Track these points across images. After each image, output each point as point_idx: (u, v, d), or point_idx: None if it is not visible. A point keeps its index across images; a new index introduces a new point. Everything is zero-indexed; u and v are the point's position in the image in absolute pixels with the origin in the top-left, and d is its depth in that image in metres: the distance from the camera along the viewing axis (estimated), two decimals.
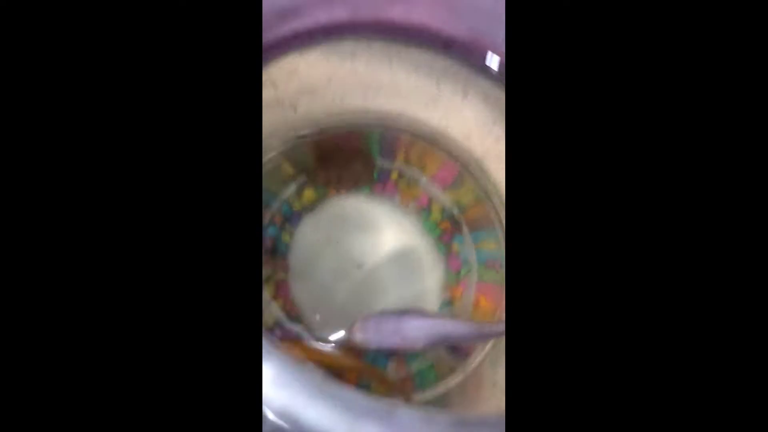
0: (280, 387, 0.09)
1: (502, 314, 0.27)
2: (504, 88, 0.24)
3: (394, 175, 0.29)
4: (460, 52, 0.23)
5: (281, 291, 0.27)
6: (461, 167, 0.29)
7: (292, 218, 0.28)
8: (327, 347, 0.26)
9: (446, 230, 0.29)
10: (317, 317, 0.27)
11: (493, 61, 0.22)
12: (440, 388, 0.26)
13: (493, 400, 0.24)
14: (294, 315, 0.27)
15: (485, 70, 0.23)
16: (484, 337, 0.26)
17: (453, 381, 0.26)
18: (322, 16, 0.21)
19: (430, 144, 0.29)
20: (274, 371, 0.09)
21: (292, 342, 0.26)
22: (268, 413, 0.09)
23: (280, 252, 0.28)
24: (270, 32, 0.20)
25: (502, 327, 0.24)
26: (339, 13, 0.21)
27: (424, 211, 0.29)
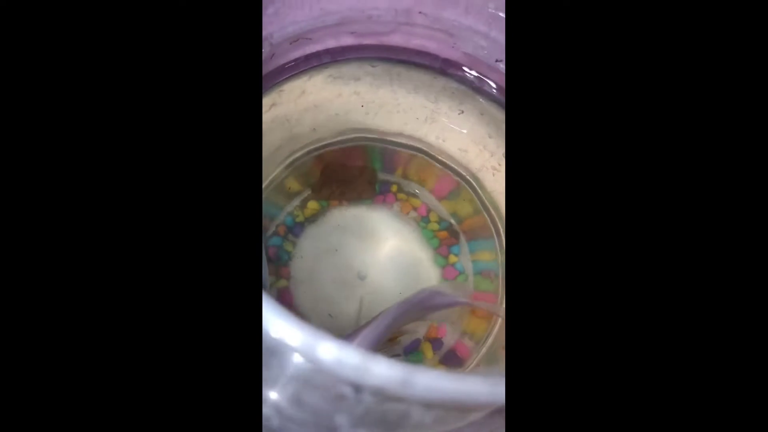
0: (301, 331, 0.10)
1: (496, 319, 0.28)
2: (498, 106, 0.26)
3: (393, 188, 0.30)
4: (457, 73, 0.24)
5: (284, 298, 0.28)
6: (458, 180, 0.30)
7: (295, 229, 0.29)
8: None
9: (444, 240, 0.30)
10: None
11: None
12: None
13: None
14: None
15: (480, 89, 0.25)
16: (424, 303, 0.26)
17: None
18: (330, 42, 0.23)
19: (428, 158, 0.30)
20: (291, 322, 0.10)
21: None
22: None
23: (282, 260, 0.29)
24: (282, 57, 0.21)
25: (438, 287, 0.25)
26: (345, 40, 0.23)
27: (423, 219, 0.30)
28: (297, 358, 0.10)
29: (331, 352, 0.09)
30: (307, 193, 0.30)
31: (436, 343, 0.28)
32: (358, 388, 0.09)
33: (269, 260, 0.28)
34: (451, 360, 0.28)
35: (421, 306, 0.26)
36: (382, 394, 0.09)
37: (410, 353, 0.28)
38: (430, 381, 0.08)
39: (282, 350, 0.10)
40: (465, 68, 0.24)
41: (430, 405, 0.09)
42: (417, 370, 0.09)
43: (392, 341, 0.27)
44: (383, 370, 0.08)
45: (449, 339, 0.28)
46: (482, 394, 0.09)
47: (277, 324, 0.10)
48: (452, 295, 0.27)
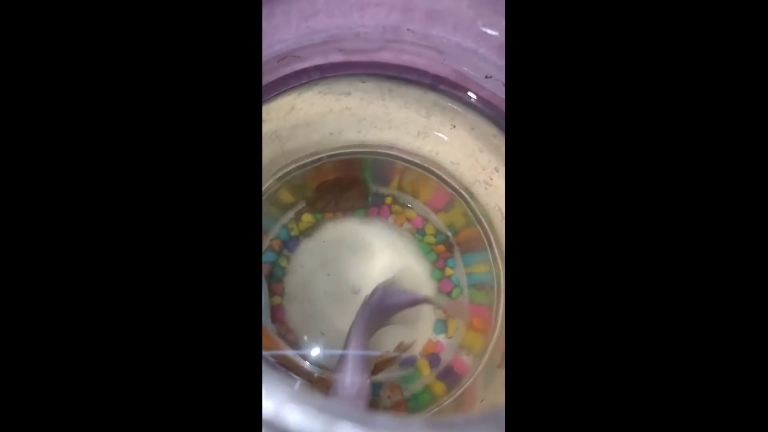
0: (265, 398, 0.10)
1: (493, 333, 0.28)
2: (488, 121, 0.26)
3: (388, 200, 0.30)
4: (447, 88, 0.24)
5: (277, 314, 0.28)
6: (452, 193, 0.30)
7: (290, 243, 0.29)
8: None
9: (441, 253, 0.30)
10: (305, 338, 0.28)
11: None
12: (434, 411, 0.27)
13: None
14: (290, 339, 0.28)
15: (470, 104, 0.25)
16: (384, 302, 0.26)
17: (446, 402, 0.27)
18: (318, 60, 0.22)
19: (421, 171, 0.30)
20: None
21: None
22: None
23: (276, 276, 0.28)
24: (271, 74, 0.21)
25: (390, 283, 0.25)
26: (334, 57, 0.23)
27: (419, 232, 0.30)
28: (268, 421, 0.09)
29: (294, 417, 0.08)
30: (302, 205, 0.30)
31: (433, 359, 0.28)
32: None
33: (263, 276, 0.28)
34: (449, 377, 0.28)
35: (382, 305, 0.26)
36: None
37: (406, 370, 0.28)
38: None
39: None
40: (454, 84, 0.24)
41: None
42: None
43: (388, 361, 0.27)
44: None
45: (446, 354, 0.28)
46: None
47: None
48: (408, 292, 0.27)
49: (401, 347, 0.28)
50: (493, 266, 0.29)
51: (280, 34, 0.20)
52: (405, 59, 0.23)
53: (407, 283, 0.29)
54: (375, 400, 0.27)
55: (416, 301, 0.27)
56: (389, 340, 0.28)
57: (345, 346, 0.25)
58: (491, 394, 0.26)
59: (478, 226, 0.29)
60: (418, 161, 0.29)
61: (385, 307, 0.26)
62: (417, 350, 0.28)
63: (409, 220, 0.30)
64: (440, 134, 0.28)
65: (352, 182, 0.30)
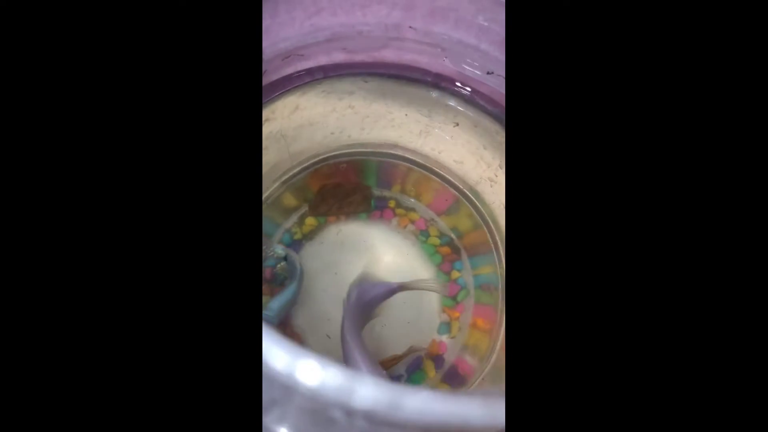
0: (281, 350, 0.09)
1: (498, 333, 0.28)
2: (491, 117, 0.26)
3: (391, 204, 0.30)
4: (449, 86, 0.24)
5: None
6: (456, 194, 0.30)
7: (293, 246, 0.29)
8: None
9: (447, 256, 0.29)
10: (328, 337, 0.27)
11: None
12: None
13: None
14: (295, 341, 0.27)
15: (473, 101, 0.25)
16: (363, 299, 0.25)
17: None
18: (322, 59, 0.23)
19: (425, 172, 0.30)
20: (271, 340, 0.10)
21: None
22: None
23: (279, 280, 0.28)
24: (274, 73, 0.21)
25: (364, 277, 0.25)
26: (337, 56, 0.23)
27: (422, 233, 0.30)
28: (282, 379, 0.09)
29: (313, 372, 0.08)
30: (305, 209, 0.29)
31: (437, 360, 0.28)
32: (349, 412, 0.08)
33: (265, 280, 0.28)
34: (454, 378, 0.27)
35: (360, 305, 0.25)
36: (374, 419, 0.08)
37: (413, 372, 0.27)
38: (421, 403, 0.08)
39: (267, 370, 0.09)
40: (457, 81, 0.24)
41: (426, 430, 0.08)
42: (406, 392, 0.08)
43: (394, 361, 0.27)
44: (369, 392, 0.08)
45: (450, 355, 0.28)
46: (478, 417, 0.08)
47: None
48: (383, 283, 0.26)
49: (411, 351, 0.27)
50: (498, 266, 0.29)
51: (285, 32, 0.21)
52: (407, 58, 0.24)
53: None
54: None
55: (393, 292, 0.26)
56: (396, 341, 0.27)
57: (345, 358, 0.24)
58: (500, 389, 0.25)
59: (485, 227, 0.29)
60: (421, 160, 0.29)
61: (363, 305, 0.25)
62: (423, 351, 0.28)
63: (412, 222, 0.30)
64: (443, 132, 0.28)
65: (355, 187, 0.30)
